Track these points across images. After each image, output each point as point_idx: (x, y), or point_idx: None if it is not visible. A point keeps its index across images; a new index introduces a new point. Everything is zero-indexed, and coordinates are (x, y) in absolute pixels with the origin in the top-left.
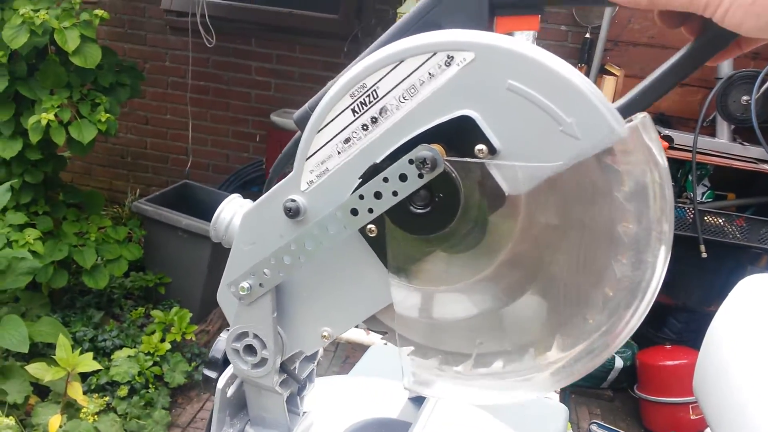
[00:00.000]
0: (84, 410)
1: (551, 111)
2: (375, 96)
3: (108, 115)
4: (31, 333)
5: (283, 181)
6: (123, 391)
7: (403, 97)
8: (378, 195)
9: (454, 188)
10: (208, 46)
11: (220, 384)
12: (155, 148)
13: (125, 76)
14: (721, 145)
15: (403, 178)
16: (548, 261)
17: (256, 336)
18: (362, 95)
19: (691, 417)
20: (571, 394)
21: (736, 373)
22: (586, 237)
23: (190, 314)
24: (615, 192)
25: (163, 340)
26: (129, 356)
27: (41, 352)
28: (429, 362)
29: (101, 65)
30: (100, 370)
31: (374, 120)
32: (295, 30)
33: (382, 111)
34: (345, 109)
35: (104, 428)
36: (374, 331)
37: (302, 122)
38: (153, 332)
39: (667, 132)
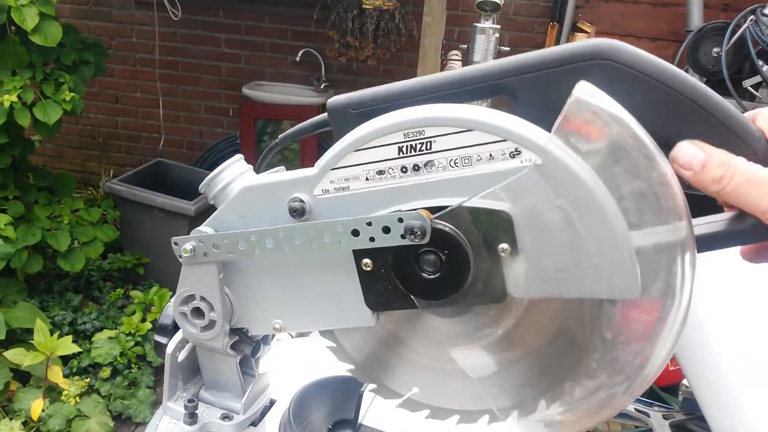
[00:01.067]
0: (65, 393)
1: (584, 245)
2: (428, 147)
3: (73, 94)
4: (7, 319)
5: (298, 173)
6: (105, 373)
7: (455, 163)
8: (356, 233)
9: (466, 264)
10: (175, 19)
11: (169, 349)
12: (127, 127)
13: (89, 53)
14: None
15: (386, 230)
16: (540, 336)
17: (203, 299)
18: (415, 140)
19: (670, 368)
20: None
21: (708, 322)
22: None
23: (170, 293)
24: (600, 333)
25: (144, 320)
26: (110, 338)
27: (20, 338)
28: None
29: (63, 43)
30: (81, 352)
31: (416, 168)
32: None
33: (428, 164)
34: (392, 144)
35: (87, 410)
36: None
37: (335, 114)
38: (133, 313)
39: None
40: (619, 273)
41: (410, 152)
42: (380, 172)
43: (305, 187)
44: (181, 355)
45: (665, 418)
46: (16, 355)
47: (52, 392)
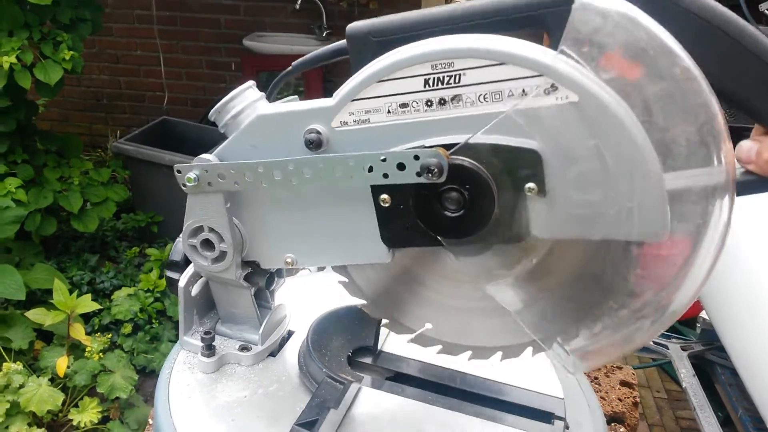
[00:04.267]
0: (88, 349)
1: (620, 188)
2: (456, 80)
3: (72, 52)
4: (26, 280)
5: (315, 103)
6: (127, 329)
7: (484, 98)
8: (370, 169)
9: (490, 202)
10: None
11: (181, 282)
12: (130, 87)
13: (85, 10)
14: None
15: (401, 167)
16: (560, 278)
17: (211, 230)
18: (443, 72)
19: None
20: None
21: (728, 254)
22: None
23: None
24: (627, 275)
25: (161, 277)
26: (129, 295)
27: (41, 299)
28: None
29: (58, 1)
30: (102, 310)
31: (442, 102)
32: None
33: (455, 98)
34: (418, 76)
35: (111, 365)
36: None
37: (355, 40)
38: (150, 270)
39: None
40: (648, 216)
41: (437, 85)
42: (404, 105)
43: (323, 118)
44: (195, 290)
45: (683, 349)
46: (37, 314)
47: (76, 350)
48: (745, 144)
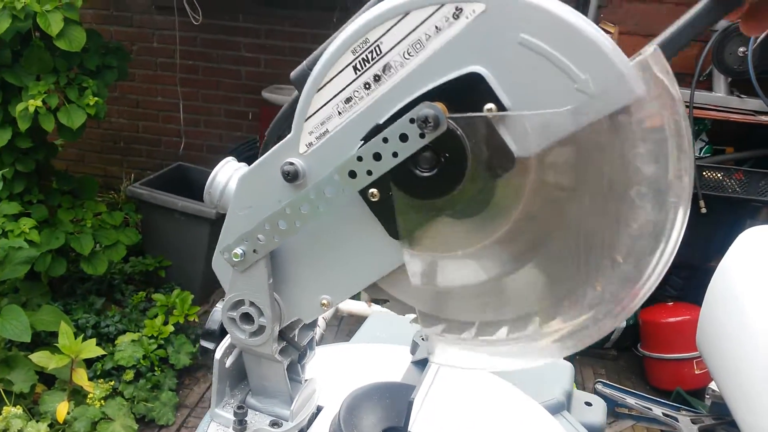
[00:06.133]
0: (90, 396)
1: (565, 67)
2: (378, 52)
3: (96, 98)
4: (32, 322)
5: (281, 143)
6: (129, 375)
7: (408, 53)
8: (377, 156)
9: (461, 149)
10: (195, 23)
11: (217, 354)
12: (148, 132)
13: (112, 58)
14: (718, 98)
15: (403, 138)
16: (556, 228)
17: (252, 304)
18: (364, 51)
19: (696, 372)
20: (575, 355)
21: (738, 326)
22: (597, 202)
23: (192, 296)
24: (628, 153)
25: (166, 323)
26: (133, 340)
27: (44, 341)
28: (433, 329)
29: (87, 48)
30: (105, 355)
31: (377, 78)
32: (283, 3)
33: (386, 68)
34: (346, 67)
35: (112, 412)
36: (375, 300)
37: (300, 81)
38: (155, 316)
39: None
40: (613, 77)
41: (365, 66)
42: (348, 100)
43: (290, 150)
44: (229, 361)
45: (693, 422)
46: (41, 357)
47: (77, 395)
48: None
